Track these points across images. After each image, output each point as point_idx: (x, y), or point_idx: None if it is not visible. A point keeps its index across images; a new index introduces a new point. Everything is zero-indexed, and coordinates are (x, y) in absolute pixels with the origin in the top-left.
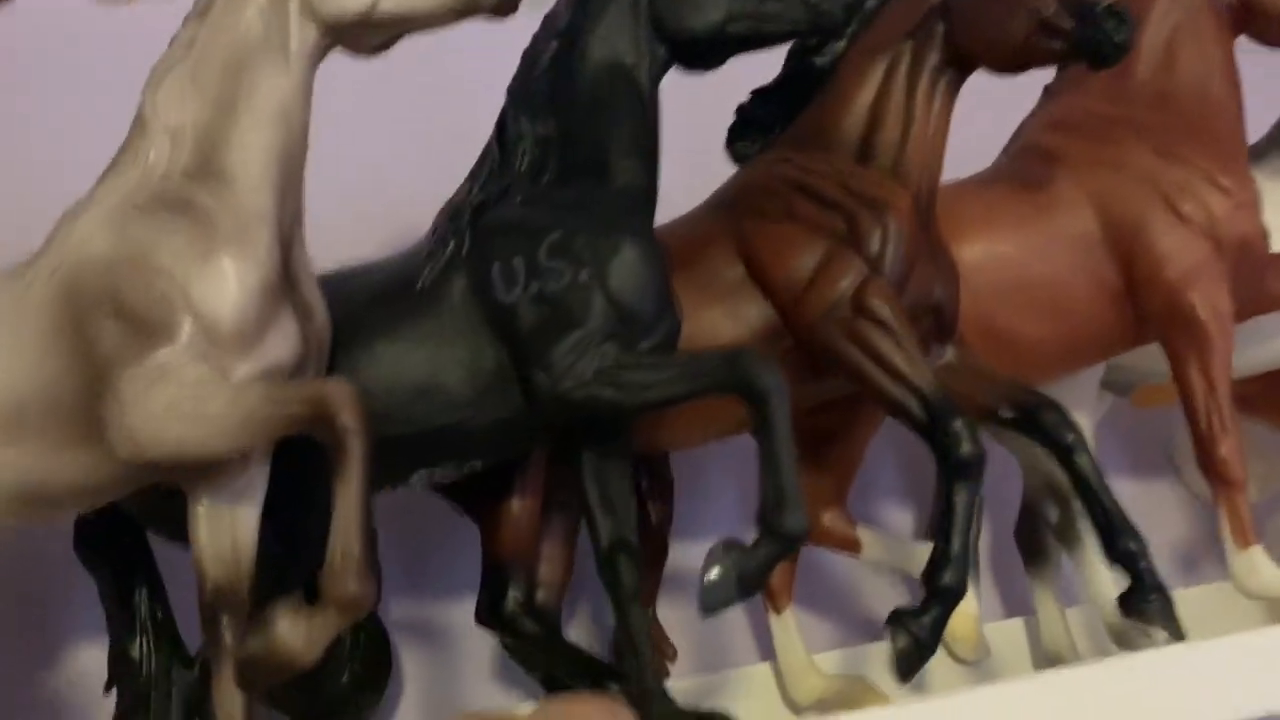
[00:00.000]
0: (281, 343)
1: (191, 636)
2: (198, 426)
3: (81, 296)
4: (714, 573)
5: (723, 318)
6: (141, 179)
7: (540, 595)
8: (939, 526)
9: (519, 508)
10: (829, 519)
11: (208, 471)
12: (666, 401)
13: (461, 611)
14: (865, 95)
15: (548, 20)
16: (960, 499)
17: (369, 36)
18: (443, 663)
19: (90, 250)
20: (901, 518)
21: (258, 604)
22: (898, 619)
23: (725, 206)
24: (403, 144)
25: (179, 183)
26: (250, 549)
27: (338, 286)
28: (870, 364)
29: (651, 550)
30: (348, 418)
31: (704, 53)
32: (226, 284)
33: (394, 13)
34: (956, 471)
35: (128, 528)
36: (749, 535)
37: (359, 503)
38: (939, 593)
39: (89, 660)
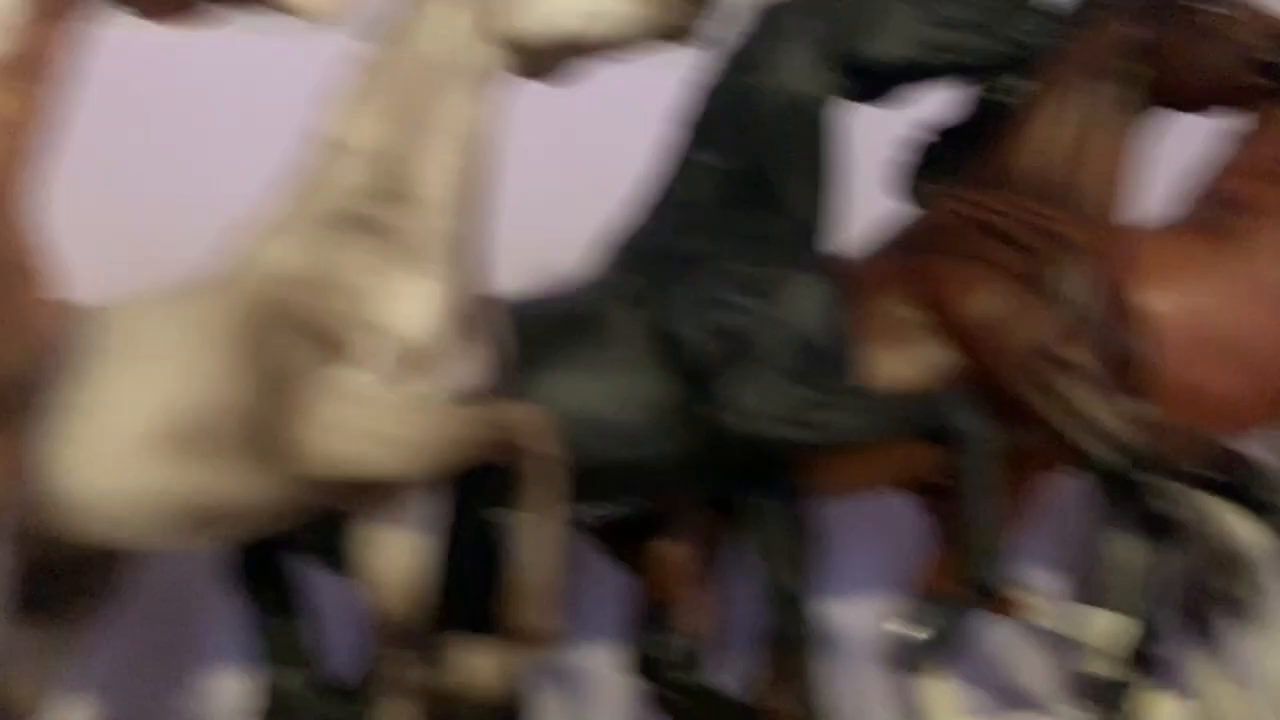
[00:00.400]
0: (462, 366)
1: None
2: (383, 447)
3: (269, 313)
4: (913, 629)
5: (901, 360)
6: (326, 198)
7: (694, 643)
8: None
9: (673, 550)
10: None
11: (382, 496)
12: (854, 442)
13: (602, 657)
14: (1059, 134)
15: (725, 52)
16: (1159, 563)
17: (554, 60)
18: (580, 711)
19: (276, 266)
20: (1046, 579)
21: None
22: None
23: (902, 246)
24: (552, 173)
25: (364, 203)
26: (425, 579)
27: (516, 313)
28: (1063, 414)
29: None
30: (542, 445)
31: (890, 86)
32: (413, 304)
33: (586, 37)
34: (1156, 532)
35: (282, 556)
36: (884, 593)
37: (547, 532)
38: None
39: (236, 689)
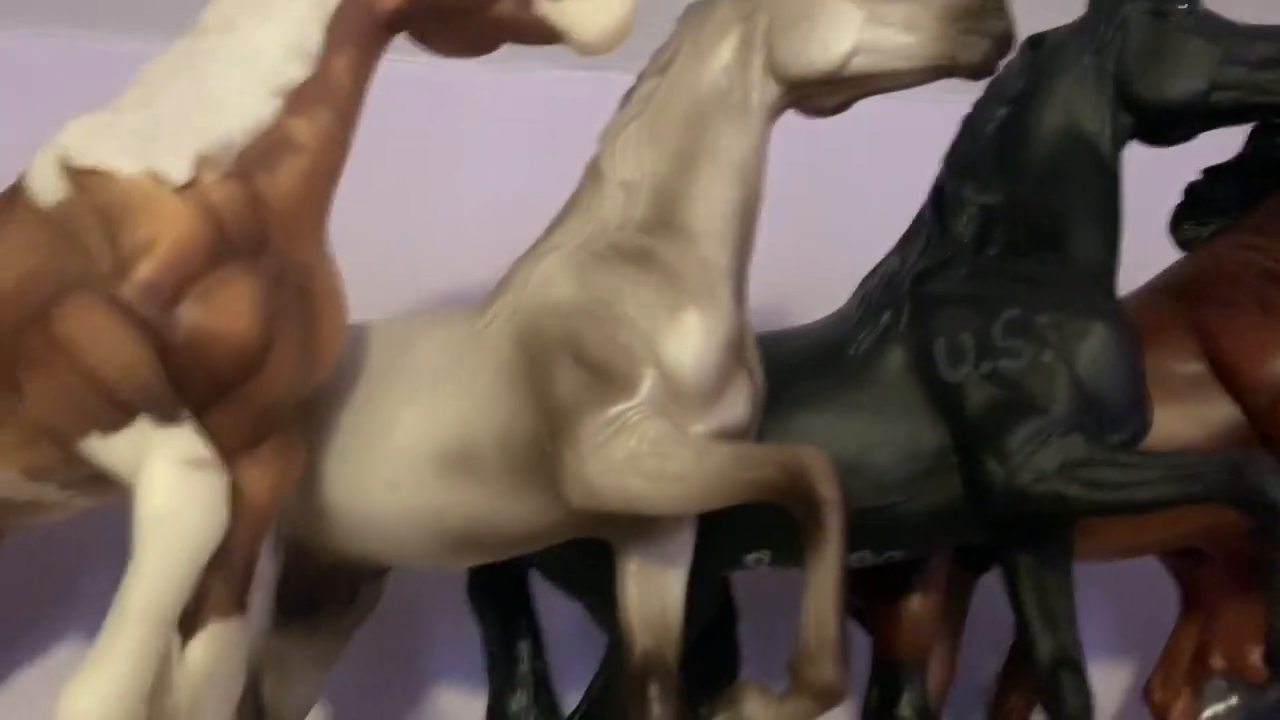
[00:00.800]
0: (737, 403)
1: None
2: (659, 484)
3: (541, 340)
4: (1213, 711)
5: (1176, 419)
6: (598, 229)
7: (930, 702)
8: None
9: (920, 606)
10: None
11: (644, 529)
12: (1144, 506)
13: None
14: None
15: (995, 85)
16: None
17: (831, 96)
18: None
19: (551, 295)
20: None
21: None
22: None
23: (1176, 293)
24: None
25: (636, 235)
26: (680, 614)
27: (767, 349)
28: None
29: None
30: (827, 489)
31: (1177, 125)
32: (693, 339)
33: (864, 71)
34: None
35: (517, 579)
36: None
37: (836, 582)
38: None
39: (462, 709)
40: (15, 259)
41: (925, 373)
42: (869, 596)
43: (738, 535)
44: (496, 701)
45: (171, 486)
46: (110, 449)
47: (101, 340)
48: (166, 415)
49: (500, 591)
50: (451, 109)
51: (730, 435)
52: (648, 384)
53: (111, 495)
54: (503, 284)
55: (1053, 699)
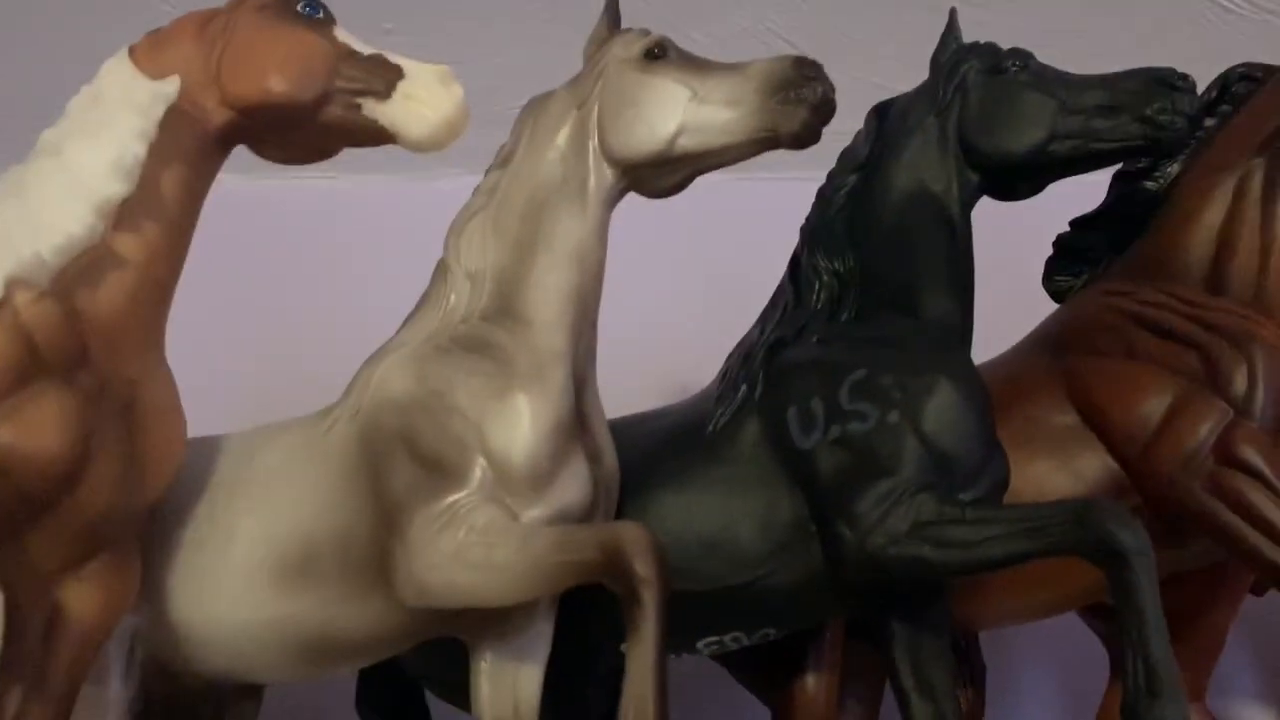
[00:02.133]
0: (572, 485)
1: None
2: (485, 574)
3: (378, 437)
4: None
5: (1053, 471)
6: (442, 322)
7: None
8: None
9: (814, 687)
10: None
11: (493, 625)
12: (997, 563)
13: None
14: (1212, 217)
15: (844, 156)
16: None
17: (665, 177)
18: None
19: (389, 391)
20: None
21: None
22: None
23: (1049, 345)
24: (682, 289)
25: (477, 324)
26: (533, 711)
27: (625, 431)
28: (1243, 524)
29: None
30: (643, 566)
31: (1022, 178)
32: (520, 424)
33: (691, 149)
34: None
35: (408, 688)
36: None
37: (655, 659)
38: None
39: None
40: None
41: (780, 442)
42: (762, 680)
43: (694, 619)
44: None
45: None
46: None
47: None
48: None
49: (391, 700)
50: (361, 219)
51: (568, 518)
52: (477, 473)
53: None
54: (349, 387)
55: None
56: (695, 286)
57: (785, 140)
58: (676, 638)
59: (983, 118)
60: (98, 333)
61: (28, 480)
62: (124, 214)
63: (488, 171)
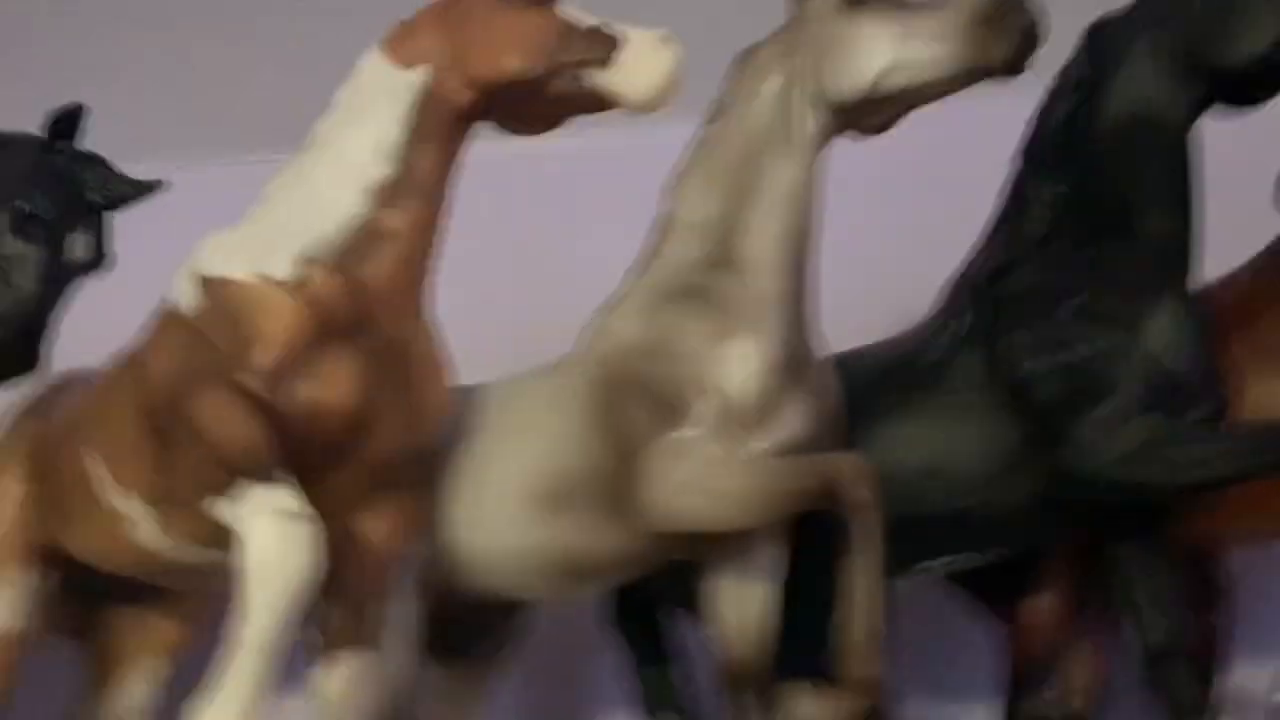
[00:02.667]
0: (794, 420)
1: None
2: (713, 501)
3: (614, 382)
4: None
5: None
6: (667, 272)
7: (1075, 702)
8: None
9: (1049, 605)
10: None
11: (730, 548)
12: (1227, 481)
13: (973, 714)
14: None
15: (1062, 75)
16: None
17: (875, 115)
18: None
19: (623, 339)
20: None
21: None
22: None
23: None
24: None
25: (701, 272)
26: (771, 627)
27: (845, 366)
28: None
29: (1198, 669)
30: (860, 492)
31: (1251, 86)
32: (741, 364)
33: (901, 85)
34: None
35: (654, 606)
36: None
37: (875, 580)
38: None
39: None
40: (164, 361)
41: (1001, 370)
42: (996, 598)
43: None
44: None
45: (269, 535)
46: (226, 510)
47: (221, 419)
48: (267, 477)
49: (639, 620)
50: (571, 176)
51: (792, 451)
52: (704, 410)
53: None
54: (584, 335)
55: (1160, 690)
56: (909, 226)
57: (998, 69)
58: (908, 560)
59: (1208, 26)
60: (375, 299)
61: (328, 428)
62: (389, 193)
63: (703, 123)
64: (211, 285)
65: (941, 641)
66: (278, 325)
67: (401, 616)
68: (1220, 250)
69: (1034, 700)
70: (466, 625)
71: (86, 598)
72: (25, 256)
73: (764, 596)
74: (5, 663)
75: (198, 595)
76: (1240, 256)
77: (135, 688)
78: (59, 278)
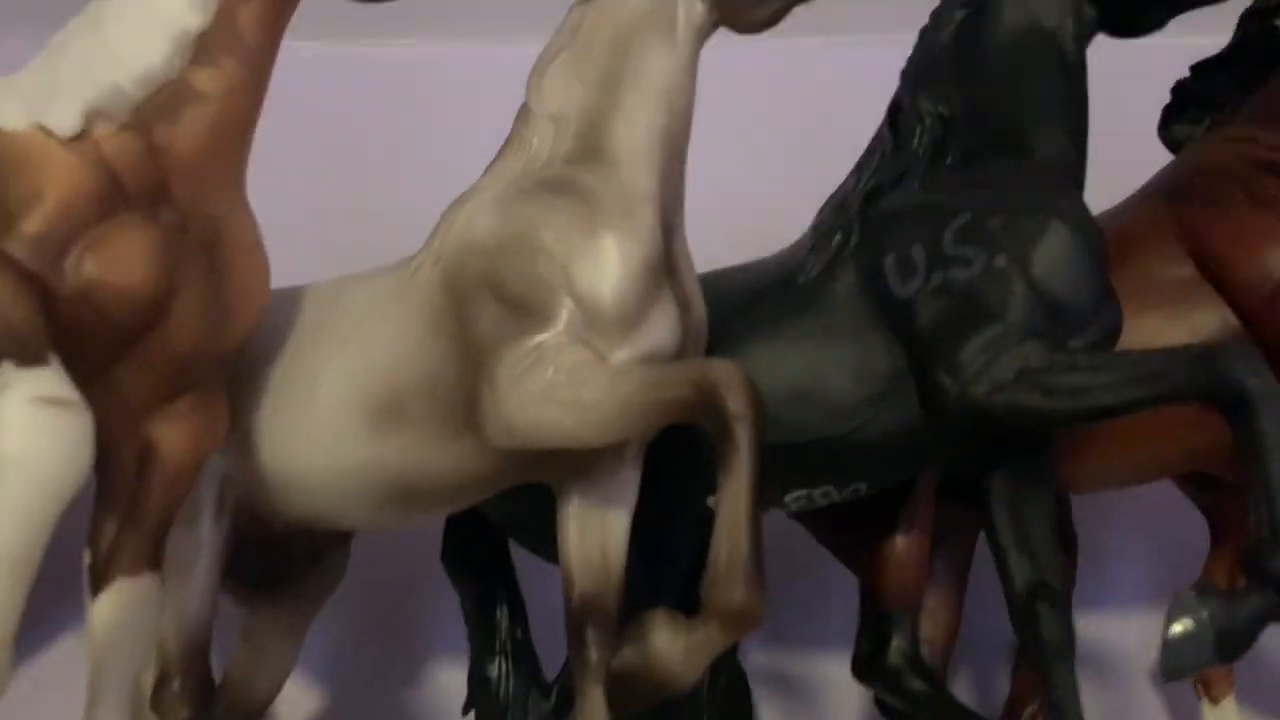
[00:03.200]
0: (661, 328)
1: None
2: (574, 413)
3: (462, 280)
4: (1182, 626)
5: (1165, 323)
6: (525, 166)
7: (926, 649)
8: None
9: (904, 547)
10: None
11: (581, 468)
12: (1109, 411)
13: (829, 662)
14: None
15: None
16: None
17: (757, 7)
18: (807, 717)
19: (473, 235)
20: None
21: (624, 620)
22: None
23: (1164, 195)
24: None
25: (562, 166)
26: (620, 557)
27: (714, 284)
28: None
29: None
30: (737, 403)
31: (1142, 10)
32: (609, 264)
33: None
34: None
35: (492, 542)
36: (1160, 606)
37: (748, 499)
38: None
39: (450, 678)
40: None
41: (877, 292)
42: (852, 540)
43: (783, 472)
44: (476, 667)
45: (25, 425)
46: None
47: None
48: (29, 358)
49: (476, 558)
50: (441, 88)
51: (655, 362)
52: (564, 313)
53: None
54: (432, 233)
55: (1030, 631)
56: (775, 150)
57: None
58: (764, 491)
59: None
60: (179, 168)
61: (113, 311)
62: (201, 47)
63: (570, 8)
64: None
65: (791, 584)
66: (54, 185)
67: (199, 541)
68: (1103, 184)
69: (889, 646)
70: (280, 556)
71: None
72: None
73: (615, 524)
74: None
75: None
76: (1120, 194)
77: None
78: None
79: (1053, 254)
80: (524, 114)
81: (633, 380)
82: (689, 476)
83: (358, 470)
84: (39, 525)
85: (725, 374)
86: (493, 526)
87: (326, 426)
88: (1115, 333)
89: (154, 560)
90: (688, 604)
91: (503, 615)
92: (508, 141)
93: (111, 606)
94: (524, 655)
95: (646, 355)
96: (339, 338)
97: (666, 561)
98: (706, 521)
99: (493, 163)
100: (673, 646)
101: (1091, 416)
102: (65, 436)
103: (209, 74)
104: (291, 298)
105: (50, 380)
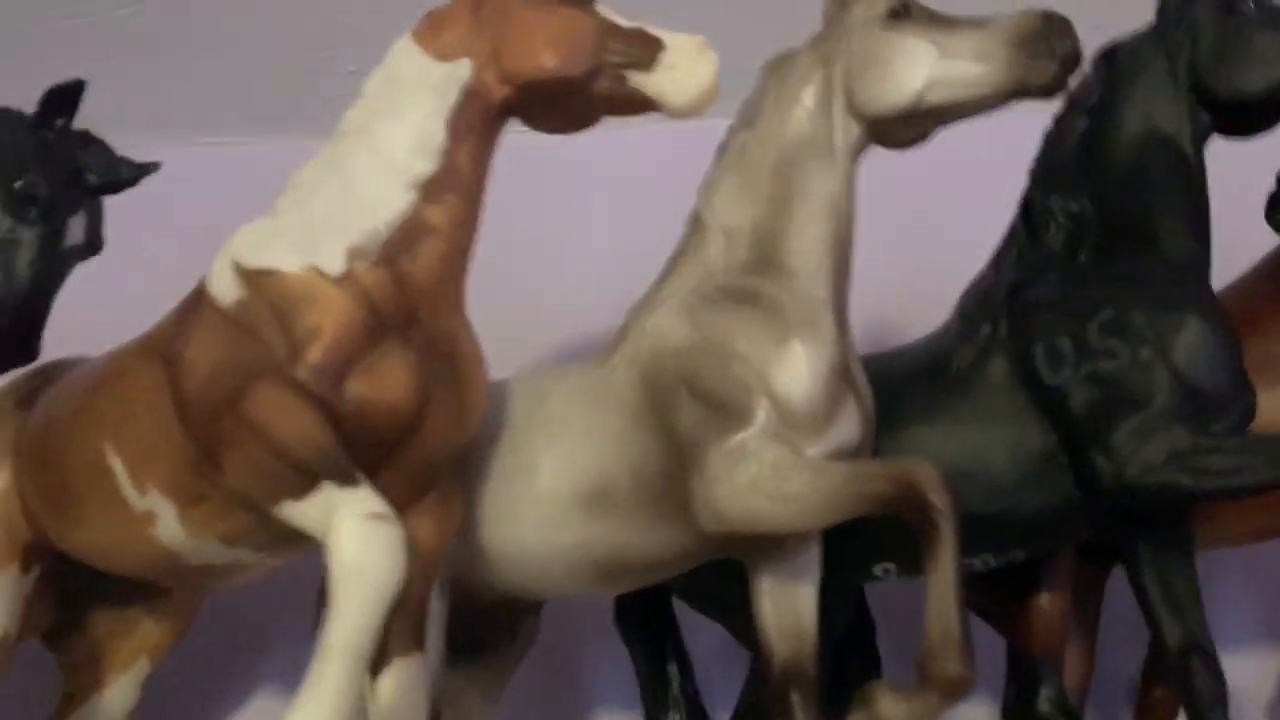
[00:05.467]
0: (847, 424)
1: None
2: (780, 504)
3: (661, 381)
4: None
5: None
6: (704, 275)
7: (1071, 700)
8: None
9: (1049, 603)
10: None
11: (773, 548)
12: (1251, 490)
13: (977, 714)
14: None
15: (1073, 98)
16: None
17: (910, 130)
18: None
19: (669, 339)
20: None
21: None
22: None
23: (1274, 277)
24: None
25: (741, 276)
26: (813, 625)
27: (873, 369)
28: None
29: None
30: (938, 497)
31: (1257, 116)
32: (800, 368)
33: (938, 103)
34: None
35: (661, 603)
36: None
37: (954, 582)
38: None
39: None
40: (206, 355)
41: (1027, 379)
42: (999, 598)
43: (865, 549)
44: None
45: (360, 539)
46: (301, 512)
47: (285, 419)
48: (346, 479)
49: (646, 618)
50: (569, 171)
51: (843, 455)
52: (762, 413)
53: (297, 552)
54: (621, 335)
55: (1185, 685)
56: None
57: (1035, 92)
58: None
59: (1216, 57)
60: (421, 294)
61: (382, 426)
62: (432, 188)
63: (732, 131)
64: (254, 277)
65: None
66: (331, 320)
67: (434, 617)
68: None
69: (1039, 694)
70: (485, 624)
71: (64, 597)
72: (22, 241)
73: (805, 594)
74: None
75: (186, 595)
76: (1235, 270)
77: (117, 690)
78: (57, 263)
79: (1192, 346)
80: (697, 226)
81: (834, 475)
82: (839, 553)
83: (570, 549)
84: (375, 625)
85: (924, 473)
86: (659, 588)
87: (542, 511)
88: (1251, 415)
89: (420, 641)
90: (841, 668)
91: (674, 671)
92: (681, 250)
93: (391, 684)
94: (695, 708)
95: (836, 450)
96: (549, 433)
97: (824, 629)
98: (858, 592)
99: (667, 270)
100: (897, 711)
101: (1235, 494)
102: (392, 548)
103: (438, 210)
104: (499, 394)
105: (371, 498)
